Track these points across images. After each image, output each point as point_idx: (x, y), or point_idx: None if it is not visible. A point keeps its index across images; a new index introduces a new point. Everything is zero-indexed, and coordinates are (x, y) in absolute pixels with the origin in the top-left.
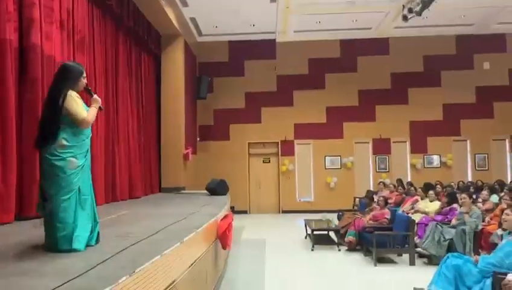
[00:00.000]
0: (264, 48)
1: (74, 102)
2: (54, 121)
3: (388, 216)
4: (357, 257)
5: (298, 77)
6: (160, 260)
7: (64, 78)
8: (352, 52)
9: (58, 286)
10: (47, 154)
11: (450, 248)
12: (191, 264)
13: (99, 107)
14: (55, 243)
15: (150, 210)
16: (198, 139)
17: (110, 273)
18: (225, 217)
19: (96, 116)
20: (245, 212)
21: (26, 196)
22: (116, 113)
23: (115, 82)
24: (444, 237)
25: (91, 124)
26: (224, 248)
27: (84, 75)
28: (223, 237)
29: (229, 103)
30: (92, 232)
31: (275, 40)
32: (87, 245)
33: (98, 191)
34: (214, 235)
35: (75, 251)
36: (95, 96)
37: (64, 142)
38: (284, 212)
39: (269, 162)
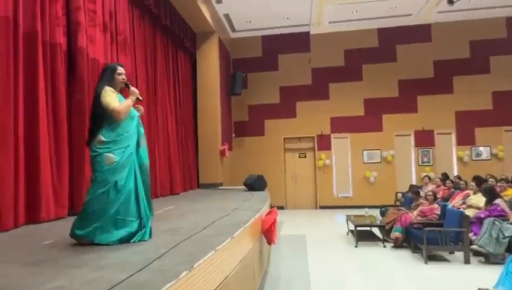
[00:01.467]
0: (298, 41)
1: (107, 95)
2: (96, 118)
3: (438, 212)
4: (405, 254)
5: (334, 69)
6: (215, 255)
7: (101, 77)
8: (391, 40)
9: (125, 279)
10: (90, 150)
11: (511, 246)
12: (241, 260)
13: (137, 98)
14: (89, 234)
15: (194, 205)
16: (233, 135)
17: (169, 268)
18: (269, 212)
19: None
20: (282, 208)
21: (77, 193)
22: (155, 111)
23: (153, 81)
24: (503, 235)
25: (124, 114)
26: (269, 243)
27: (119, 71)
28: (268, 233)
29: (263, 98)
30: (141, 227)
31: (309, 32)
32: (141, 240)
33: None
34: (259, 230)
35: (107, 244)
36: (132, 88)
37: (102, 138)
38: (322, 207)
39: (305, 157)
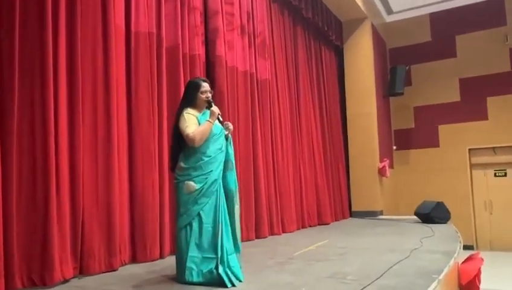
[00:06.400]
0: (486, 13)
1: (184, 120)
2: (174, 143)
3: None
4: None
5: None
6: None
7: (183, 97)
8: None
9: None
10: (174, 178)
11: None
12: None
13: (218, 119)
14: (177, 271)
15: (354, 241)
16: (394, 147)
17: None
18: (469, 258)
19: (280, 129)
20: (470, 247)
21: None
22: (300, 124)
23: (296, 87)
24: None
25: (199, 141)
26: None
27: (203, 89)
28: (471, 288)
29: (435, 96)
30: (222, 265)
31: None
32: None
33: (288, 216)
34: (455, 284)
35: (185, 283)
36: (213, 108)
37: (182, 164)
38: None
39: (505, 175)
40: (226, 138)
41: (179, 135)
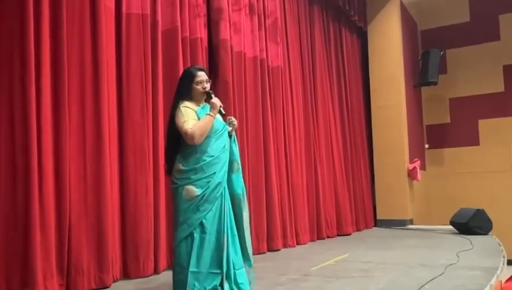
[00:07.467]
0: None
1: (181, 114)
2: (170, 142)
3: None
4: None
5: None
6: None
7: (177, 90)
8: None
9: None
10: (171, 182)
11: None
12: None
13: (220, 111)
14: (174, 288)
15: (379, 254)
16: (426, 146)
17: None
18: None
19: (294, 124)
20: None
21: None
22: (317, 119)
23: (312, 76)
24: None
25: (199, 138)
26: None
27: (198, 79)
28: None
29: (475, 85)
30: (226, 280)
31: None
32: None
33: (303, 225)
34: None
35: None
36: (213, 100)
37: (180, 166)
38: None
39: None
40: (230, 135)
41: (175, 132)
